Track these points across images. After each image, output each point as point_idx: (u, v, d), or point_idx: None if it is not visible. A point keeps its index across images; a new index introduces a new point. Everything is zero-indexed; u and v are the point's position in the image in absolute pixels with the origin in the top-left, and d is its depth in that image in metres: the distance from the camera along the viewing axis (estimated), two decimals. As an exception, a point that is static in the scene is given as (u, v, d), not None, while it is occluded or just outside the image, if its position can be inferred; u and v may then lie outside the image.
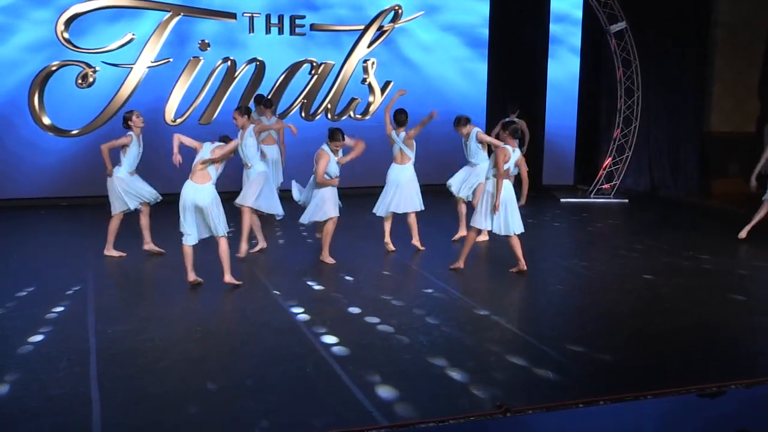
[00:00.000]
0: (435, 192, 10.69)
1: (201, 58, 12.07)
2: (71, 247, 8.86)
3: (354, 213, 9.73)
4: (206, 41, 12.06)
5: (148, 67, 11.83)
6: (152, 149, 10.27)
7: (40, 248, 8.86)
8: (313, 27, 12.62)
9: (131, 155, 8.11)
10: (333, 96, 12.88)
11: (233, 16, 12.17)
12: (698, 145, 13.87)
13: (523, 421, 4.50)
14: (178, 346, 5.69)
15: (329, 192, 8.09)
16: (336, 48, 12.83)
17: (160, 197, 8.36)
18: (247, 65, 12.33)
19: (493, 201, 7.52)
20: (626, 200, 12.75)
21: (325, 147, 8.05)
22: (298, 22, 12.50)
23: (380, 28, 13.00)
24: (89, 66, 11.59)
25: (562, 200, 12.79)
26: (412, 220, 8.75)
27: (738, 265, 8.49)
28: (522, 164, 8.11)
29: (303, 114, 12.83)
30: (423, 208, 8.73)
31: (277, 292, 7.05)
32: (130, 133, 8.11)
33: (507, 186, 7.59)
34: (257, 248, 8.66)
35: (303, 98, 12.77)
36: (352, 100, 13.02)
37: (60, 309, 6.46)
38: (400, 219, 8.83)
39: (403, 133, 8.57)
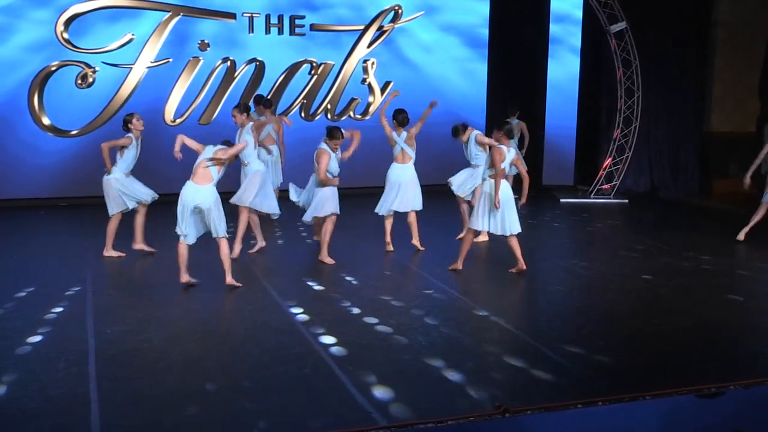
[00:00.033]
0: (435, 192, 10.70)
1: (201, 58, 12.07)
2: (71, 248, 8.86)
3: (354, 213, 9.74)
4: (206, 41, 12.06)
5: (148, 68, 11.83)
6: (152, 149, 10.30)
7: (39, 248, 8.86)
8: (312, 27, 12.62)
9: (128, 157, 8.12)
10: (333, 96, 12.88)
11: (233, 16, 12.17)
12: (698, 145, 13.88)
13: (522, 421, 4.49)
14: (177, 346, 5.69)
15: (330, 191, 8.09)
16: (336, 48, 12.83)
17: (157, 196, 8.36)
18: (246, 65, 12.33)
19: (491, 202, 7.52)
20: (626, 200, 12.75)
21: (324, 145, 8.04)
22: (297, 22, 12.50)
23: (380, 28, 12.99)
24: (89, 66, 11.59)
25: (562, 200, 12.79)
26: (412, 220, 8.75)
27: (738, 265, 8.49)
28: (519, 163, 8.11)
29: (303, 114, 12.83)
30: (421, 208, 8.73)
31: (277, 293, 7.04)
32: (130, 134, 8.12)
33: (505, 186, 7.59)
34: (256, 248, 8.66)
35: (303, 98, 12.77)
36: (352, 100, 13.02)
37: (59, 309, 6.46)
38: (399, 219, 8.83)
39: (404, 133, 8.57)
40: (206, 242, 7.23)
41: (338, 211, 8.16)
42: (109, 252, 8.32)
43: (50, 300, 6.70)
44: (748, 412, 4.80)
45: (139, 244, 8.38)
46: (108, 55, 11.66)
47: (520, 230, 7.69)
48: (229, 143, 7.30)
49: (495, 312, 6.56)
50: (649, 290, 7.37)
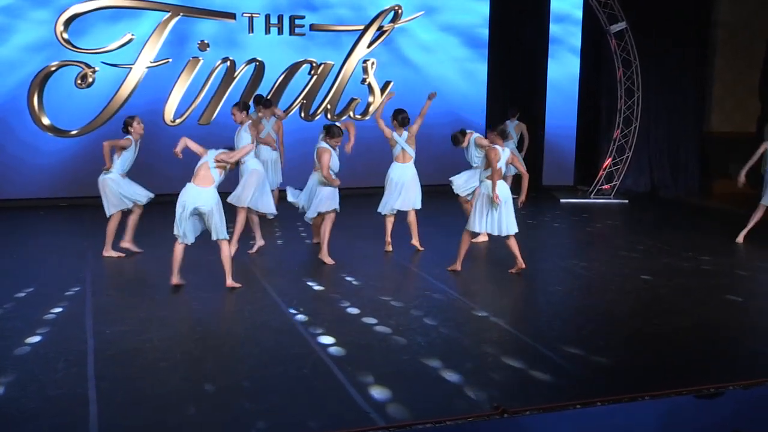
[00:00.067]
0: (435, 192, 10.70)
1: (200, 58, 12.07)
2: (70, 248, 8.86)
3: (354, 213, 9.74)
4: (205, 41, 12.07)
5: (148, 68, 11.84)
6: (151, 150, 10.32)
7: (39, 249, 8.86)
8: (312, 27, 12.63)
9: (125, 158, 8.13)
10: (333, 96, 12.89)
11: (232, 16, 12.17)
12: (698, 145, 13.89)
13: (520, 422, 4.49)
14: (177, 346, 5.69)
15: (331, 189, 8.10)
16: (336, 48, 12.83)
17: (152, 196, 8.37)
18: (246, 65, 12.33)
19: (488, 204, 7.51)
20: (626, 201, 12.75)
21: (324, 144, 8.05)
22: (297, 22, 12.50)
23: (380, 28, 13.00)
24: (88, 66, 11.60)
25: (561, 201, 12.79)
26: (412, 220, 8.76)
27: (738, 265, 8.48)
28: (516, 161, 8.10)
29: (303, 114, 12.83)
30: (420, 207, 8.74)
31: (276, 293, 7.04)
32: (129, 137, 8.13)
33: (503, 187, 7.58)
34: (256, 247, 8.66)
35: (302, 98, 12.77)
36: (352, 100, 13.02)
37: (58, 310, 6.46)
38: (399, 219, 8.82)
39: (405, 133, 8.56)
40: (206, 242, 7.22)
41: (338, 208, 8.17)
42: (109, 252, 8.33)
43: (50, 300, 6.69)
44: (747, 412, 4.80)
45: (127, 243, 8.40)
46: (108, 55, 11.67)
47: (517, 230, 7.69)
48: (231, 149, 7.32)
49: (494, 312, 6.56)
50: (648, 290, 7.37)
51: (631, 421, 4.67)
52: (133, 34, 11.71)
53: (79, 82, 11.59)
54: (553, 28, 13.79)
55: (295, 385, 4.96)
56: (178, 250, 7.01)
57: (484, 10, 13.47)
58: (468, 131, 8.93)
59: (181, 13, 11.89)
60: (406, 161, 8.62)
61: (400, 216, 8.80)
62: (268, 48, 12.40)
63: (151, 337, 5.82)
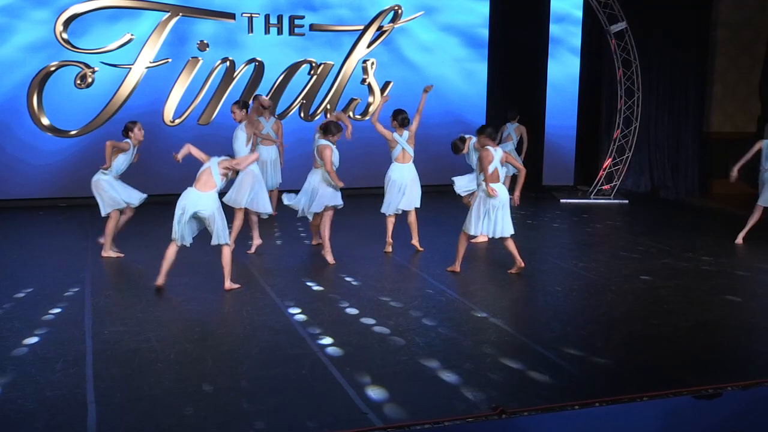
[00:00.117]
0: (435, 192, 10.70)
1: (200, 58, 12.06)
2: (70, 248, 8.85)
3: (353, 213, 9.73)
4: (205, 41, 12.06)
5: (147, 68, 11.83)
6: (151, 150, 10.32)
7: (38, 249, 8.85)
8: (312, 27, 12.62)
9: (121, 161, 8.13)
10: (332, 96, 12.87)
11: (232, 16, 12.16)
12: (699, 145, 13.88)
13: (519, 422, 4.48)
14: (175, 347, 5.68)
15: (332, 188, 8.12)
16: (335, 48, 12.82)
17: (145, 197, 8.36)
18: (246, 65, 12.33)
19: (486, 207, 7.49)
20: (626, 201, 12.73)
21: (325, 141, 8.06)
22: (297, 22, 12.49)
23: (380, 28, 12.99)
24: (88, 66, 11.59)
25: (562, 201, 12.78)
26: (413, 220, 8.76)
27: (737, 266, 8.47)
28: (511, 159, 8.09)
29: (302, 114, 12.82)
30: (419, 206, 8.76)
31: (275, 293, 7.04)
32: (128, 141, 8.14)
33: (501, 189, 7.57)
34: (254, 247, 8.66)
35: (302, 99, 12.76)
36: (352, 100, 13.01)
37: (57, 310, 6.45)
38: (398, 219, 8.82)
39: (405, 133, 8.55)
40: (205, 243, 7.22)
41: (341, 203, 8.25)
42: (108, 252, 8.32)
43: (49, 301, 6.69)
44: (746, 413, 4.79)
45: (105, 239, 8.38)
46: (107, 56, 11.66)
47: (513, 232, 7.69)
48: (231, 156, 7.32)
49: (493, 313, 6.56)
50: (648, 291, 7.36)
51: (630, 422, 4.67)
52: (132, 34, 11.71)
53: (78, 82, 11.59)
54: (553, 28, 13.78)
55: (293, 385, 4.96)
56: (171, 251, 6.97)
57: (484, 10, 13.46)
58: (467, 136, 8.91)
59: (181, 13, 11.88)
60: (407, 161, 8.61)
61: (400, 216, 8.79)
62: (267, 48, 12.39)
63: (149, 338, 5.81)
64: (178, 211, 6.86)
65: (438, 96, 13.05)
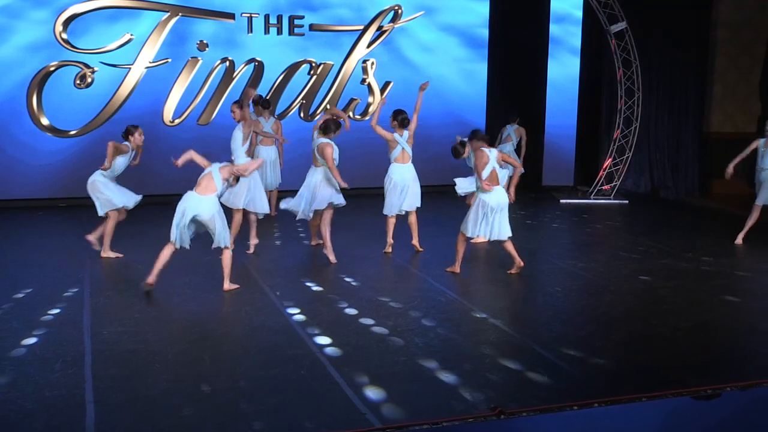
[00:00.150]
0: (435, 193, 10.69)
1: (199, 58, 12.06)
2: (69, 248, 8.85)
3: (354, 213, 9.72)
4: (205, 41, 12.05)
5: (147, 68, 11.83)
6: (150, 150, 10.29)
7: (37, 249, 8.85)
8: (312, 27, 12.61)
9: (119, 163, 8.14)
10: (332, 96, 12.86)
11: (232, 16, 12.16)
12: (699, 145, 13.87)
13: (518, 423, 4.48)
14: (174, 347, 5.68)
15: (333, 187, 8.14)
16: (335, 48, 12.81)
17: (140, 198, 8.35)
18: (245, 65, 12.32)
19: (484, 210, 7.49)
20: (626, 201, 12.72)
21: (325, 139, 8.07)
22: (297, 22, 12.48)
23: (380, 28, 12.98)
24: (87, 66, 11.59)
25: (562, 201, 12.77)
26: (413, 220, 8.76)
27: (737, 266, 8.46)
28: (507, 158, 8.08)
29: (302, 114, 12.82)
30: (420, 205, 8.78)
31: (274, 293, 7.04)
32: (128, 144, 8.14)
33: (500, 192, 7.57)
34: (252, 248, 8.65)
35: (302, 99, 12.76)
36: (352, 100, 13.00)
37: (56, 311, 6.45)
38: (399, 219, 8.81)
39: (406, 133, 8.55)
40: (206, 243, 7.22)
41: (344, 202, 8.29)
42: (107, 252, 8.32)
43: (48, 301, 6.69)
44: (745, 414, 4.79)
45: (93, 237, 8.36)
46: (107, 56, 11.65)
47: (510, 234, 7.69)
48: (231, 161, 7.33)
49: (493, 314, 6.55)
50: (647, 291, 7.35)
51: (629, 423, 4.66)
52: (132, 34, 11.70)
53: (78, 82, 11.58)
54: (553, 28, 13.77)
55: (292, 385, 4.95)
56: (167, 253, 6.93)
57: (484, 10, 13.45)
58: (467, 140, 8.90)
59: (180, 13, 11.88)
60: (406, 161, 8.61)
61: (401, 216, 8.78)
62: (267, 48, 12.39)
63: (148, 338, 5.81)
64: (177, 215, 6.84)
65: (438, 96, 13.07)
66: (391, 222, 8.71)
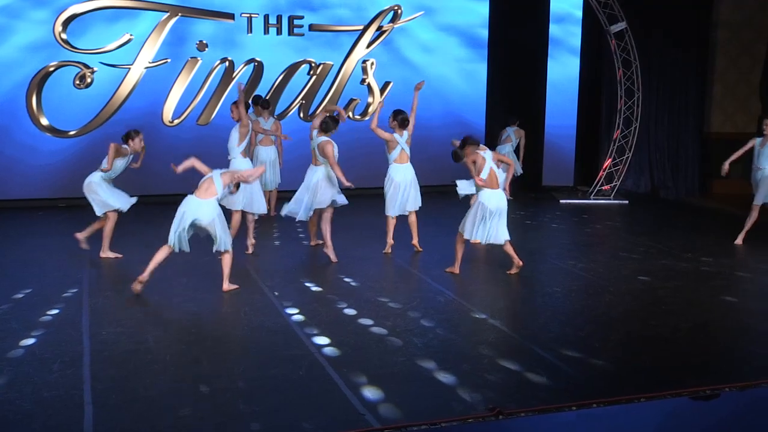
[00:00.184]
0: (434, 193, 10.68)
1: (199, 58, 12.06)
2: (68, 249, 8.82)
3: (353, 213, 9.71)
4: (204, 42, 12.06)
5: (146, 68, 11.83)
6: (150, 150, 10.26)
7: (37, 249, 8.85)
8: (311, 27, 12.61)
9: (118, 165, 8.13)
10: (332, 96, 12.86)
11: (231, 16, 12.16)
12: (699, 145, 13.87)
13: (516, 423, 4.47)
14: (172, 348, 5.68)
15: (332, 183, 8.15)
16: (335, 48, 12.81)
17: (135, 200, 8.34)
18: (245, 66, 12.32)
19: (483, 213, 7.48)
20: (626, 201, 12.72)
21: (325, 137, 8.07)
22: (296, 22, 12.48)
23: (379, 28, 12.98)
24: (87, 67, 11.59)
25: (561, 201, 12.76)
26: (413, 220, 8.75)
27: (737, 266, 8.46)
28: (503, 157, 8.07)
29: (301, 114, 12.82)
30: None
31: (275, 294, 7.03)
32: (127, 147, 8.14)
33: (500, 195, 7.56)
34: (250, 248, 8.64)
35: (301, 99, 12.75)
36: (351, 100, 13.00)
37: (55, 311, 6.44)
38: (399, 219, 8.80)
39: (405, 133, 8.55)
40: (205, 243, 7.21)
41: (346, 201, 8.32)
42: (106, 253, 8.32)
43: (47, 301, 6.68)
44: (744, 414, 4.78)
45: (83, 234, 8.36)
46: (106, 56, 11.66)
47: (509, 238, 7.68)
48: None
49: (492, 314, 6.55)
50: (647, 292, 7.35)
51: (628, 423, 4.66)
52: (131, 35, 11.71)
53: (77, 82, 11.58)
54: (553, 29, 13.77)
55: (290, 386, 4.95)
56: (162, 254, 6.88)
57: (484, 10, 13.45)
58: (460, 149, 8.90)
59: (180, 14, 11.88)
60: (406, 161, 8.61)
61: (401, 216, 8.78)
62: (267, 48, 12.39)
63: (146, 339, 5.81)
64: (176, 219, 6.82)
65: (438, 96, 13.08)
66: (392, 222, 8.71)
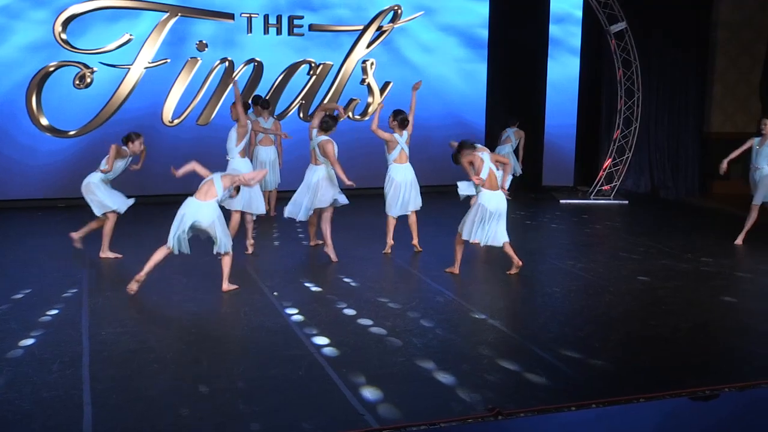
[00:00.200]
0: (434, 193, 10.68)
1: (199, 58, 12.06)
2: (68, 249, 8.83)
3: (353, 213, 9.72)
4: (204, 42, 12.05)
5: (146, 68, 11.83)
6: (149, 150, 10.24)
7: (36, 250, 8.85)
8: (311, 27, 12.61)
9: (117, 166, 8.14)
10: (332, 97, 12.86)
11: (231, 16, 12.16)
12: (699, 145, 13.87)
13: (515, 424, 4.47)
14: (172, 348, 5.67)
15: (332, 183, 8.16)
16: (335, 48, 12.81)
17: (132, 202, 8.33)
18: (245, 66, 12.32)
19: (482, 214, 7.48)
20: (626, 201, 12.72)
21: (325, 136, 8.08)
22: (296, 22, 12.48)
23: (379, 28, 12.98)
24: (87, 67, 11.59)
25: (561, 201, 12.76)
26: (413, 220, 8.75)
27: (737, 267, 8.45)
28: (500, 157, 8.08)
29: (301, 115, 12.81)
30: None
31: (274, 294, 7.03)
32: (126, 149, 8.15)
33: (500, 197, 7.56)
34: (249, 248, 8.64)
35: (301, 99, 12.75)
36: (351, 100, 13.00)
37: (55, 311, 6.44)
38: (399, 219, 8.80)
39: (405, 133, 8.55)
40: (205, 243, 7.21)
41: (347, 201, 8.35)
42: (106, 253, 8.32)
43: (46, 302, 6.68)
44: (743, 414, 4.78)
45: (78, 233, 8.37)
46: (106, 56, 11.66)
47: (507, 239, 7.68)
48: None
49: (492, 314, 6.54)
50: (646, 292, 7.34)
51: (627, 424, 4.65)
52: (131, 35, 11.71)
53: (77, 82, 11.58)
54: (553, 29, 13.76)
55: (290, 386, 4.95)
56: (160, 255, 6.87)
57: (484, 10, 13.45)
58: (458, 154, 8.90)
59: (180, 14, 11.88)
60: (405, 162, 8.61)
61: (401, 216, 8.78)
62: (266, 48, 12.38)
63: (146, 339, 5.81)
64: (176, 221, 6.81)
65: (438, 96, 13.08)
66: (392, 223, 8.71)
